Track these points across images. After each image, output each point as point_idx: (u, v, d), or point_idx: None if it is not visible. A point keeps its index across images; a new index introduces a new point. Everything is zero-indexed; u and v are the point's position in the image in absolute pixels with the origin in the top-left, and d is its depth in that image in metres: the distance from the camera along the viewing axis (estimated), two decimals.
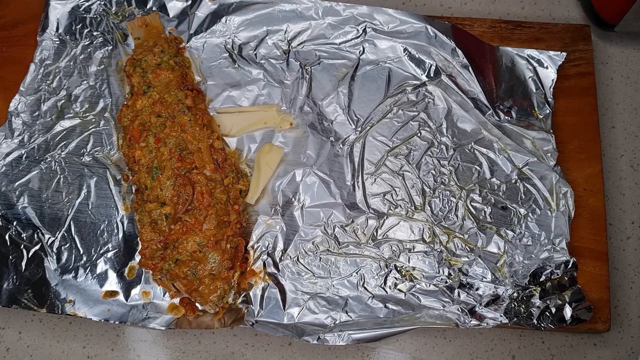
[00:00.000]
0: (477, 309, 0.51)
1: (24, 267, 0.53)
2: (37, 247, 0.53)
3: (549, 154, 0.57)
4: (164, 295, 0.52)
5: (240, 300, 0.52)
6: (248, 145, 0.58)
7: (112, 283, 0.53)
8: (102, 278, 0.53)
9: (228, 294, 0.51)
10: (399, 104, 0.59)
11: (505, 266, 0.53)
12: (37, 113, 0.58)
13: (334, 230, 0.55)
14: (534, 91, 0.60)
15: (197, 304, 0.51)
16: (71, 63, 0.61)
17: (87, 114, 0.59)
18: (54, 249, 0.53)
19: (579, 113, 0.60)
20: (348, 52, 0.61)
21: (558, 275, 0.52)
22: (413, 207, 0.55)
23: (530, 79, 0.60)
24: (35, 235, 0.54)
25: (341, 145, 0.58)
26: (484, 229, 0.55)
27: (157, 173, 0.52)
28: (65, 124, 0.58)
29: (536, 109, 0.59)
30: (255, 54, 0.61)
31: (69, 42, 0.61)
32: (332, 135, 0.58)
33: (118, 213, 0.55)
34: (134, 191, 0.55)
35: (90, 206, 0.55)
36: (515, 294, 0.52)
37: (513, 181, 0.56)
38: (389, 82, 0.60)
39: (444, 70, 0.60)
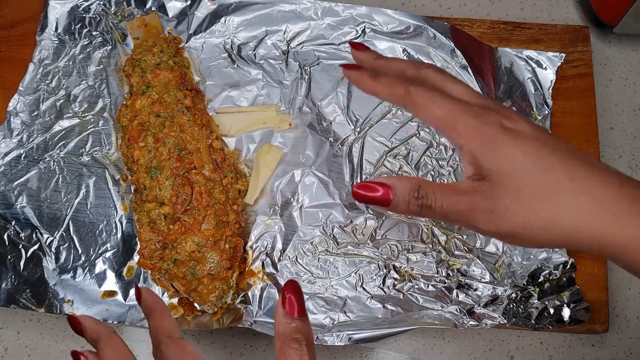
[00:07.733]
0: (475, 309, 0.51)
1: (22, 267, 0.53)
2: (35, 247, 0.53)
3: None
4: (162, 295, 0.52)
5: (238, 300, 0.52)
6: (247, 145, 0.58)
7: (111, 283, 0.52)
8: (101, 278, 0.53)
9: (227, 294, 0.51)
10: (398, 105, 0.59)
11: (504, 267, 0.53)
12: (35, 113, 0.58)
13: (332, 230, 0.55)
14: (533, 92, 0.60)
15: (195, 304, 0.51)
16: (70, 63, 0.60)
17: (86, 114, 0.59)
18: (53, 249, 0.53)
19: (578, 114, 0.60)
20: (347, 52, 0.61)
21: (556, 275, 0.52)
22: None
23: (529, 79, 0.60)
24: (34, 235, 0.54)
25: (340, 146, 0.58)
26: None
27: (156, 173, 0.52)
28: (64, 123, 0.58)
29: (535, 110, 0.59)
30: (255, 54, 0.61)
31: (68, 41, 0.61)
32: (331, 136, 0.58)
33: (117, 213, 0.55)
34: (132, 191, 0.55)
35: (89, 206, 0.55)
36: (513, 295, 0.52)
37: None
38: None
39: None
